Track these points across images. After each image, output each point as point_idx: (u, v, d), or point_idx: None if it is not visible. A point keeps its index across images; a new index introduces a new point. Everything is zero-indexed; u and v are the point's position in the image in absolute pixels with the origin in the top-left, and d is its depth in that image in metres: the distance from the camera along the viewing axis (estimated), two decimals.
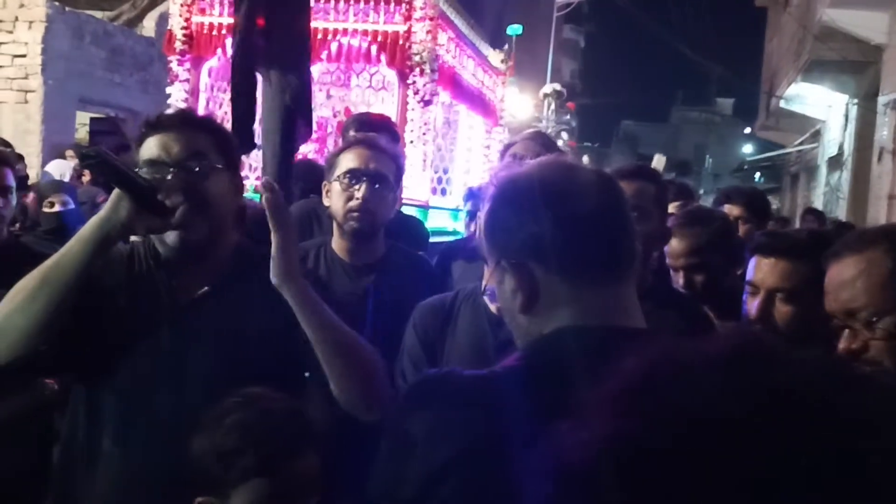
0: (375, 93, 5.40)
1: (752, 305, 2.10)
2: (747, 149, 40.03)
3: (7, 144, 5.78)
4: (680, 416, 0.56)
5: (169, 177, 1.66)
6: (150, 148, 1.71)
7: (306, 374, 1.81)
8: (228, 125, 5.36)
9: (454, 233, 5.81)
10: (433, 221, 5.36)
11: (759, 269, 2.11)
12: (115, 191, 1.58)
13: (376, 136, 2.78)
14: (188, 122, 1.77)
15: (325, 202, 2.65)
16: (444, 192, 6.15)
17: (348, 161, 2.55)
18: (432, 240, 4.30)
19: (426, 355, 2.22)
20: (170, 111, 1.80)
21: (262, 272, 1.65)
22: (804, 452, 0.52)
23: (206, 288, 1.74)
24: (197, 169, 1.70)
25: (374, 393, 1.73)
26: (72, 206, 4.02)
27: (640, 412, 0.58)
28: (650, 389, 0.59)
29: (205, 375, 1.69)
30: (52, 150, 8.58)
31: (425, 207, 5.28)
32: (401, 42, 4.99)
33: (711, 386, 0.57)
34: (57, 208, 3.87)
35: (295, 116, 3.46)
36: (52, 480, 1.80)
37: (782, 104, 15.45)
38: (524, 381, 1.15)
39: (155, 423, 1.68)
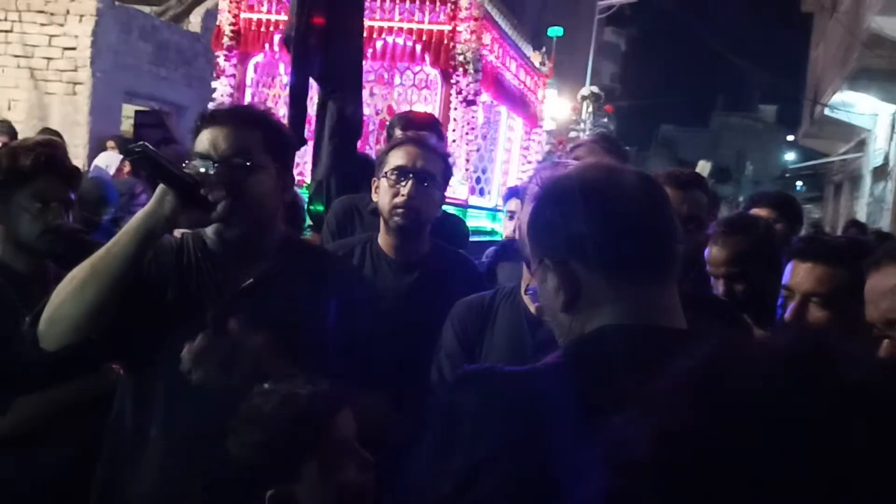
0: (418, 92, 5.42)
1: (787, 309, 2.09)
2: (789, 156, 39.42)
3: (57, 134, 5.91)
4: (750, 411, 0.56)
5: (212, 171, 1.71)
6: (202, 141, 1.76)
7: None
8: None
9: (492, 232, 5.83)
10: (471, 221, 5.38)
11: (796, 274, 2.10)
12: (161, 185, 1.63)
13: (426, 134, 2.80)
14: (240, 118, 1.80)
15: (374, 198, 2.68)
16: (482, 192, 6.16)
17: (397, 158, 2.58)
18: (471, 239, 4.32)
19: (464, 353, 2.23)
20: (226, 106, 1.82)
21: (308, 264, 1.67)
22: (883, 453, 0.53)
23: (250, 280, 1.78)
24: (240, 165, 1.73)
25: None
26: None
27: (708, 406, 0.58)
28: (716, 384, 0.60)
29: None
30: (99, 142, 8.73)
31: (464, 207, 5.29)
32: (445, 41, 5.01)
33: (781, 383, 0.57)
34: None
35: (348, 123, 3.51)
36: (98, 466, 1.84)
37: (827, 112, 15.18)
38: (566, 378, 1.16)
39: (200, 413, 1.72)
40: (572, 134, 15.59)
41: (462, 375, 1.27)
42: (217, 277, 1.80)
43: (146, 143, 1.60)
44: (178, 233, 2.03)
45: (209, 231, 1.76)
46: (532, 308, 2.18)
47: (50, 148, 2.37)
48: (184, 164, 1.72)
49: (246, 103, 1.80)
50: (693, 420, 0.58)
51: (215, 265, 1.81)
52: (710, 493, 0.56)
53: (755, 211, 3.66)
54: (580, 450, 1.01)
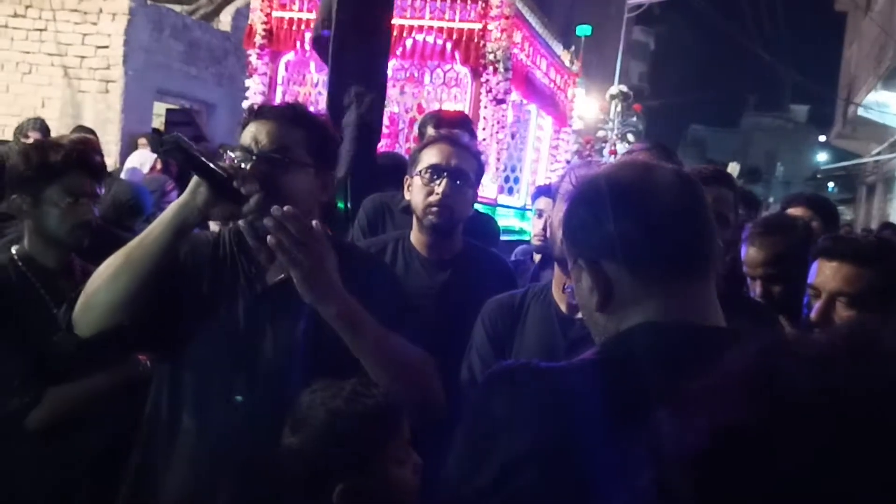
0: (448, 90, 5.41)
1: (814, 309, 2.07)
2: (821, 157, 38.95)
3: (90, 131, 5.98)
4: (808, 408, 0.55)
5: (248, 165, 1.71)
6: (245, 135, 1.78)
7: None
8: None
9: (521, 232, 5.80)
10: (500, 220, 5.36)
11: (822, 273, 2.07)
12: (194, 178, 1.64)
13: (460, 132, 2.80)
14: (285, 116, 1.80)
15: (406, 196, 2.68)
16: (510, 191, 6.14)
17: (430, 156, 2.58)
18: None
19: (494, 351, 2.22)
20: (275, 103, 1.84)
21: (342, 262, 1.67)
22: None
23: (282, 275, 1.78)
24: (276, 161, 1.73)
25: (425, 400, 1.74)
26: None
27: (765, 403, 0.57)
28: (771, 379, 0.59)
29: (277, 360, 1.74)
30: (131, 140, 8.82)
31: (493, 206, 5.28)
32: (475, 40, 5.00)
33: (839, 379, 0.56)
34: None
35: (369, 122, 3.52)
36: (133, 454, 1.86)
37: (860, 112, 14.97)
38: (602, 375, 1.15)
39: (230, 403, 1.73)
40: (600, 133, 15.49)
41: (497, 371, 1.27)
42: (251, 271, 1.80)
43: (179, 135, 1.61)
44: (214, 226, 2.03)
45: (244, 225, 1.76)
46: (563, 306, 2.17)
47: (83, 144, 2.40)
48: (223, 155, 1.73)
49: (294, 102, 1.79)
50: (751, 417, 0.57)
51: (250, 260, 1.82)
52: (768, 491, 0.55)
53: (791, 211, 3.61)
54: (625, 446, 1.00)
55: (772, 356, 0.62)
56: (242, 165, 1.72)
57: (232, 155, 1.75)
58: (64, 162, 2.25)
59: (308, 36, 4.92)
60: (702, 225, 1.23)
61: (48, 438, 2.16)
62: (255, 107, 1.84)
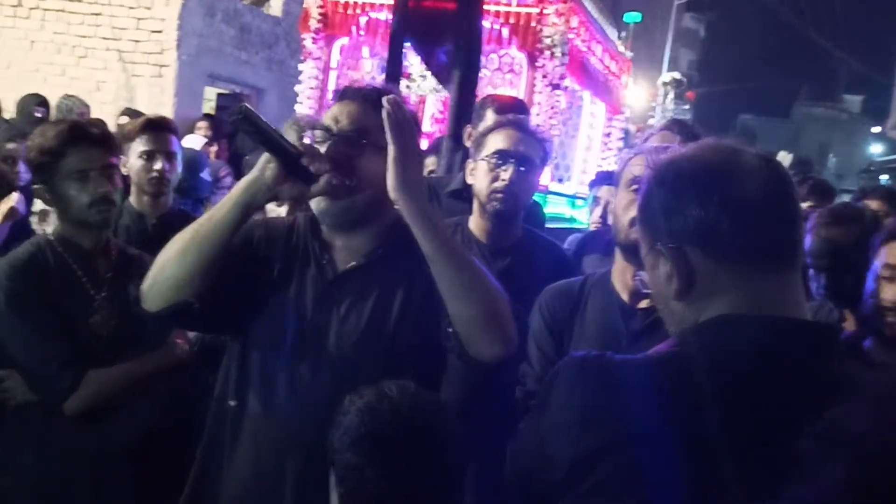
0: (503, 75, 5.37)
1: (893, 290, 2.02)
2: (875, 149, 37.98)
3: (139, 114, 6.03)
4: None
5: (326, 144, 1.70)
6: (328, 115, 1.77)
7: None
8: None
9: (571, 220, 5.74)
10: (551, 207, 5.32)
11: None
12: (264, 154, 1.62)
13: (525, 118, 2.76)
14: (368, 98, 1.78)
15: (469, 180, 2.65)
16: (561, 179, 6.08)
17: (497, 142, 2.54)
18: (547, 225, 4.26)
19: (552, 339, 2.19)
20: (360, 84, 1.83)
21: (417, 252, 1.64)
22: None
23: (353, 262, 1.77)
24: (355, 141, 1.72)
25: (496, 324, 1.64)
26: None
27: None
28: None
29: (345, 348, 1.73)
30: (183, 124, 8.89)
31: (545, 193, 5.23)
32: (532, 24, 4.93)
33: None
34: None
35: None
36: (203, 437, 1.86)
37: None
38: (687, 368, 1.11)
39: (295, 390, 1.72)
40: (651, 122, 15.29)
41: (572, 362, 1.22)
42: (322, 258, 1.80)
43: (248, 105, 1.57)
44: (281, 211, 2.02)
45: (316, 208, 1.75)
46: (625, 296, 2.13)
47: (70, 122, 2.38)
48: (302, 134, 1.72)
49: (381, 85, 1.75)
50: None
51: (322, 247, 1.81)
52: None
53: (866, 202, 3.51)
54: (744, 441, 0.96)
55: None
56: (311, 143, 1.70)
57: (312, 134, 1.74)
58: (59, 143, 2.24)
59: (364, 21, 4.91)
60: (791, 211, 1.18)
61: (86, 423, 2.15)
62: (341, 88, 1.84)
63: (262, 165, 1.62)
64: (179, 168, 3.13)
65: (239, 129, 1.58)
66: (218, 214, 1.66)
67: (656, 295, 1.25)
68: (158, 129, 3.07)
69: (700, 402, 1.07)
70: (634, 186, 2.07)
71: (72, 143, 2.25)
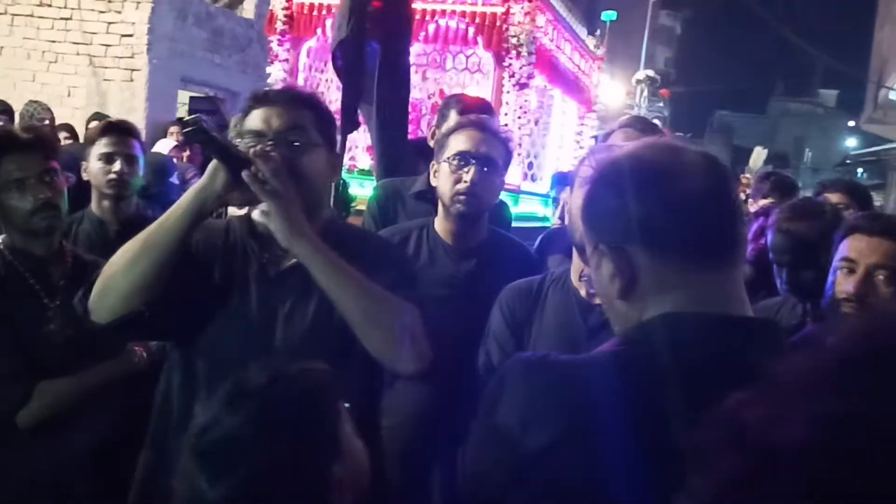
0: (470, 75, 5.36)
1: (848, 282, 2.02)
2: (850, 143, 38.35)
3: (105, 118, 5.97)
4: None
5: (267, 148, 1.70)
6: (254, 120, 1.76)
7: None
8: (332, 104, 5.47)
9: (544, 219, 5.75)
10: (523, 206, 5.31)
11: (857, 247, 2.05)
12: (213, 162, 1.64)
13: (488, 118, 2.75)
14: (292, 98, 1.80)
15: (433, 182, 2.64)
16: (534, 178, 6.08)
17: (459, 143, 2.53)
18: (520, 225, 4.25)
19: (513, 337, 2.20)
20: (277, 87, 1.83)
21: (352, 248, 1.69)
22: None
23: (294, 260, 1.77)
24: (295, 143, 1.73)
25: (403, 344, 1.69)
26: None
27: (877, 386, 0.53)
28: (882, 362, 0.55)
29: (290, 345, 1.73)
30: (155, 129, 8.85)
31: (516, 192, 5.23)
32: (498, 24, 4.92)
33: None
34: None
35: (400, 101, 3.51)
36: (146, 446, 1.85)
37: (891, 95, 14.68)
38: (624, 367, 1.12)
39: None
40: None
41: (513, 364, 1.23)
42: (262, 257, 1.80)
43: (201, 116, 1.61)
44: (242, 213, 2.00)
45: (257, 211, 1.75)
46: (583, 292, 2.14)
47: (5, 128, 2.33)
48: (236, 142, 1.71)
49: (293, 85, 1.79)
50: (862, 404, 0.53)
51: (262, 246, 1.82)
52: (872, 480, 0.51)
53: (827, 196, 3.53)
54: (668, 437, 0.96)
55: (882, 337, 0.57)
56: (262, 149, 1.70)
57: (243, 141, 1.73)
58: None
59: (329, 22, 4.89)
60: (731, 209, 1.18)
61: (40, 435, 2.11)
62: (260, 92, 1.83)
63: (212, 173, 1.64)
64: (141, 172, 3.10)
65: (191, 139, 1.61)
66: (168, 222, 1.65)
67: (601, 294, 1.25)
68: (118, 132, 3.04)
69: (642, 401, 1.07)
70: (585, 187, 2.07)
71: (4, 152, 2.20)
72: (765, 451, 0.55)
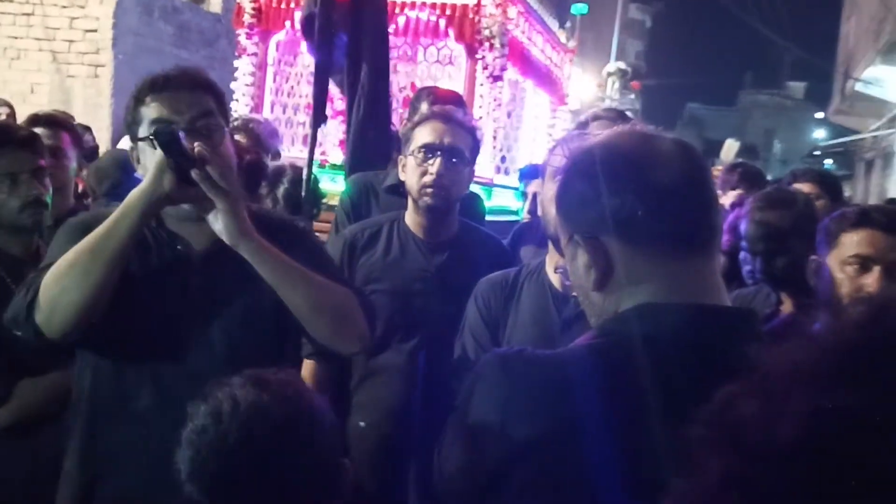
0: (442, 68, 5.30)
1: (865, 280, 1.98)
2: (819, 134, 38.91)
3: (69, 116, 5.85)
4: None
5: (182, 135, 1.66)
6: (158, 109, 1.70)
7: None
8: (302, 98, 5.39)
9: (517, 212, 5.73)
10: (496, 200, 5.29)
11: (872, 244, 1.99)
12: (157, 163, 1.61)
13: (453, 108, 2.73)
14: (196, 82, 1.76)
15: (401, 177, 2.61)
16: (507, 171, 6.06)
17: (424, 135, 2.51)
18: (494, 218, 4.23)
19: (488, 330, 2.20)
20: (174, 70, 1.77)
21: (278, 236, 1.73)
22: None
23: (206, 246, 1.76)
24: (207, 130, 1.70)
25: (344, 326, 1.79)
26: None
27: (874, 380, 0.50)
28: (877, 355, 0.51)
29: (230, 330, 1.73)
30: (121, 126, 8.70)
31: (489, 185, 5.20)
32: (470, 16, 4.87)
33: None
34: None
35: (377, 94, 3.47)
36: (72, 443, 1.80)
37: (858, 87, 14.90)
38: (606, 360, 1.09)
39: (192, 383, 1.66)
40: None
41: (492, 359, 1.20)
42: (175, 247, 1.77)
43: (176, 129, 1.61)
44: None
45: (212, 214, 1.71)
46: (558, 284, 2.13)
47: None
48: (152, 130, 1.67)
49: (186, 67, 1.74)
50: (858, 399, 0.50)
51: (172, 236, 1.78)
52: (870, 477, 0.48)
53: (797, 186, 3.54)
54: (652, 433, 0.93)
55: (877, 328, 0.54)
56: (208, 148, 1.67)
57: (156, 129, 1.66)
58: None
59: (298, 15, 4.81)
60: (707, 197, 1.16)
61: (16, 436, 2.09)
62: (158, 78, 1.75)
63: (157, 175, 1.60)
64: (73, 164, 3.04)
65: (161, 144, 1.60)
66: (118, 229, 1.61)
67: (577, 286, 1.23)
68: (45, 125, 2.97)
69: (620, 393, 1.05)
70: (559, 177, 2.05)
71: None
72: (762, 448, 0.52)
